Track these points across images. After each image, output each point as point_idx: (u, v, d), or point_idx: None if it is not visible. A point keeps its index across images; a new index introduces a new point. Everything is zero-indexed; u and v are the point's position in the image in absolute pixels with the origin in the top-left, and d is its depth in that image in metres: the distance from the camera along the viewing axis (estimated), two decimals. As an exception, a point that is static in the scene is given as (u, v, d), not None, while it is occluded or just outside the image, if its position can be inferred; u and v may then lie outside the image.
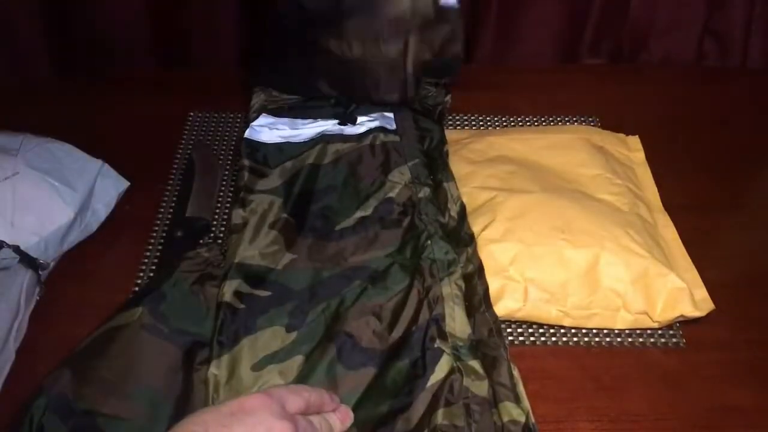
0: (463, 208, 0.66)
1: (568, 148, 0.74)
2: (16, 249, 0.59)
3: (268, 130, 0.73)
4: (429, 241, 0.62)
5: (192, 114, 0.82)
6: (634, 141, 0.78)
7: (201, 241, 0.66)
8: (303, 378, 0.54)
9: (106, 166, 0.68)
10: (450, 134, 0.76)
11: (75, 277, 0.64)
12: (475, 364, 0.54)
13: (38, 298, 0.61)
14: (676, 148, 0.79)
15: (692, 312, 0.60)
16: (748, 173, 0.78)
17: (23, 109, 0.80)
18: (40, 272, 0.61)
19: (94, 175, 0.67)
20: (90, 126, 0.79)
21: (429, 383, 0.52)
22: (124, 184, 0.70)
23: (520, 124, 0.82)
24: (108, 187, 0.68)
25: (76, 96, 0.85)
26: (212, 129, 0.80)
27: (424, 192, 0.66)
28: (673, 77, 0.92)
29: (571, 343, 0.60)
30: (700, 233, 0.68)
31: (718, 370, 0.58)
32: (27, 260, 0.59)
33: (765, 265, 0.67)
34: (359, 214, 0.66)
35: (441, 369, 0.53)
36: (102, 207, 0.68)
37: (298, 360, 0.55)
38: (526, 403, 0.52)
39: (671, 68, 0.94)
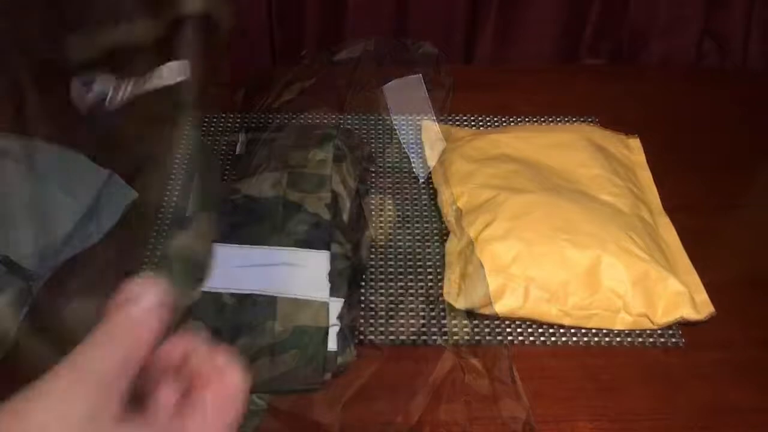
0: (458, 212, 0.66)
1: (570, 148, 0.74)
2: (5, 259, 0.57)
3: None
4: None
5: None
6: (635, 143, 0.78)
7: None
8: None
9: (115, 176, 0.67)
10: (451, 132, 0.76)
11: (73, 279, 0.64)
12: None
13: (28, 308, 0.59)
14: (676, 148, 0.79)
15: (692, 315, 0.60)
16: (748, 173, 0.78)
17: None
18: (31, 283, 0.59)
19: (100, 186, 0.66)
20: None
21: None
22: (132, 194, 0.68)
23: (520, 124, 0.82)
24: (114, 197, 0.67)
25: (76, 96, 0.85)
26: (212, 129, 0.80)
27: None
28: (673, 77, 0.92)
29: (570, 343, 0.60)
30: (700, 233, 0.68)
31: (718, 370, 0.58)
32: (16, 271, 0.58)
33: (765, 265, 0.67)
34: None
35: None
36: (107, 217, 0.66)
37: None
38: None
39: (671, 68, 0.94)
